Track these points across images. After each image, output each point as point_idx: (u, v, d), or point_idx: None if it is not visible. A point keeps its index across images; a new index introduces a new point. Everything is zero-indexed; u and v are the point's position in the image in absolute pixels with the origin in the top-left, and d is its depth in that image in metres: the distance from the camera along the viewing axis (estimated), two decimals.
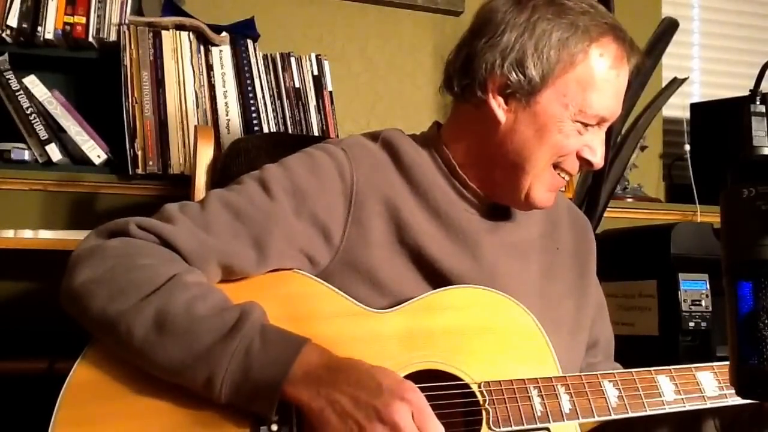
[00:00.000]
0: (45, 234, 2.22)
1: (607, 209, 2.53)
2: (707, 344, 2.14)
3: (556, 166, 1.35)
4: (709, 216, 2.88)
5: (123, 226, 1.21)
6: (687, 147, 3.17)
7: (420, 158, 1.40)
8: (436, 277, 1.32)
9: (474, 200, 1.40)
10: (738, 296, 0.81)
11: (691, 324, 2.13)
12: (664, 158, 3.39)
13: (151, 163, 2.40)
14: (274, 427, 1.11)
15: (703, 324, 2.13)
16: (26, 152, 2.41)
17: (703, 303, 2.14)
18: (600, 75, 1.31)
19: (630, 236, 2.36)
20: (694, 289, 2.15)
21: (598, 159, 1.36)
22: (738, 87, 3.24)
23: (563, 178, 1.38)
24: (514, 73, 1.31)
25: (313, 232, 1.29)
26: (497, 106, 1.34)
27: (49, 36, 2.42)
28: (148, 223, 1.21)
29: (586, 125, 1.33)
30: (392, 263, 1.32)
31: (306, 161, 1.34)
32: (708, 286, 2.16)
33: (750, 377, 0.80)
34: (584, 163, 1.36)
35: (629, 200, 3.06)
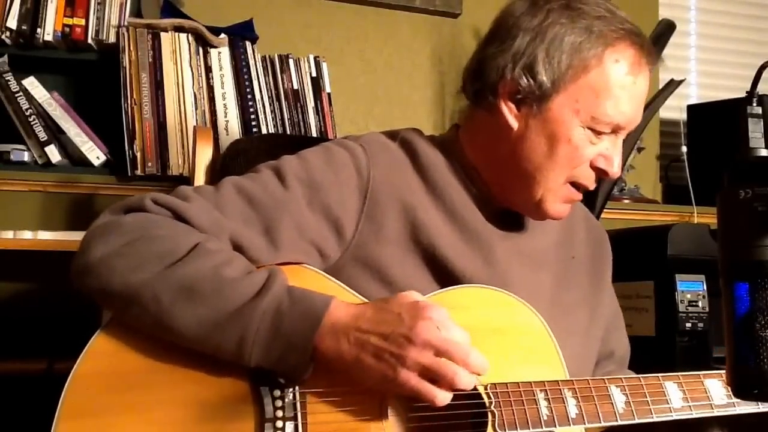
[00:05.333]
0: (44, 235, 2.22)
1: (605, 210, 2.53)
2: (704, 345, 2.15)
3: (571, 181, 1.33)
4: (706, 217, 2.88)
5: (139, 202, 1.21)
6: (684, 148, 3.18)
7: (437, 159, 1.39)
8: (448, 278, 1.31)
9: (490, 205, 1.39)
10: (735, 297, 0.81)
11: (688, 325, 2.13)
12: (661, 159, 3.40)
13: (150, 164, 2.41)
14: (279, 424, 1.12)
15: (700, 325, 2.14)
16: (26, 153, 2.41)
17: (699, 304, 2.14)
18: (615, 81, 1.28)
19: (627, 237, 2.36)
20: (691, 290, 2.15)
21: (614, 168, 1.33)
22: (735, 89, 3.25)
23: (579, 191, 1.35)
24: (524, 79, 1.29)
25: (324, 225, 1.28)
26: (508, 111, 1.32)
27: (49, 38, 2.42)
28: (164, 198, 1.22)
29: (598, 133, 1.30)
30: (404, 262, 1.31)
31: (323, 154, 1.33)
32: (705, 287, 2.17)
33: (747, 378, 0.80)
34: (599, 173, 1.33)
35: (626, 201, 3.06)
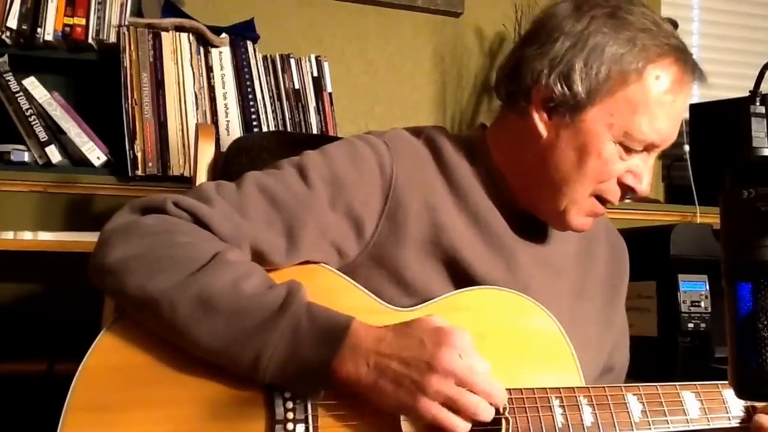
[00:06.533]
0: (44, 235, 2.22)
1: (607, 210, 2.52)
2: (706, 345, 2.14)
3: (596, 195, 1.30)
4: (708, 217, 2.87)
5: (160, 203, 1.19)
6: (686, 148, 3.16)
7: (462, 160, 1.35)
8: (468, 282, 1.28)
9: (513, 209, 1.36)
10: (737, 297, 0.80)
11: (691, 325, 2.12)
12: (664, 159, 3.38)
13: (150, 164, 2.41)
14: (290, 426, 1.11)
15: (703, 325, 2.13)
16: (26, 154, 2.41)
17: (702, 304, 2.14)
18: (654, 98, 1.23)
19: (629, 237, 2.35)
20: (694, 290, 2.14)
21: (643, 186, 1.29)
22: (738, 88, 3.24)
23: (603, 206, 1.32)
24: (559, 86, 1.24)
25: (345, 224, 1.26)
26: (539, 119, 1.28)
27: (49, 37, 2.42)
28: (185, 202, 1.19)
29: (629, 149, 1.26)
30: (422, 263, 1.28)
31: (347, 151, 1.30)
32: (707, 287, 2.16)
33: (749, 378, 0.79)
34: (627, 189, 1.29)
35: (628, 201, 3.05)
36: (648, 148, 1.28)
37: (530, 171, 1.32)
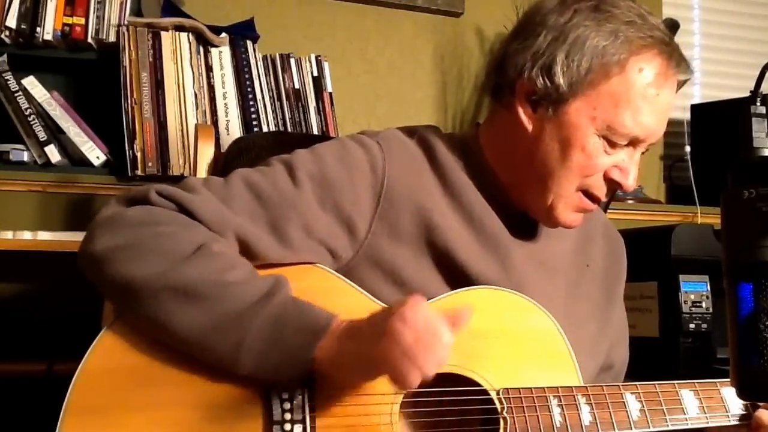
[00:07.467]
0: (44, 235, 2.22)
1: (608, 211, 2.52)
2: (708, 346, 2.14)
3: (583, 190, 1.29)
4: (709, 217, 2.87)
5: (143, 194, 1.19)
6: (687, 148, 3.17)
7: (455, 160, 1.35)
8: (463, 281, 1.28)
9: (507, 208, 1.35)
10: (738, 298, 0.80)
11: (692, 326, 2.12)
12: (665, 160, 3.39)
13: (150, 164, 2.40)
14: (288, 426, 1.10)
15: (704, 325, 2.12)
16: (25, 153, 2.41)
17: (703, 304, 2.13)
18: (637, 91, 1.22)
19: (631, 238, 2.34)
20: (695, 291, 2.14)
21: (629, 182, 1.28)
22: (738, 88, 3.24)
23: (592, 202, 1.31)
24: (541, 79, 1.24)
25: (336, 225, 1.25)
26: (523, 112, 1.28)
27: (48, 37, 2.42)
28: (168, 191, 1.19)
29: (614, 144, 1.25)
30: (418, 263, 1.28)
31: (338, 150, 1.30)
32: (708, 288, 2.15)
33: (751, 378, 0.79)
34: (613, 184, 1.28)
35: (630, 202, 3.05)
36: (633, 142, 1.27)
37: (518, 166, 1.32)
